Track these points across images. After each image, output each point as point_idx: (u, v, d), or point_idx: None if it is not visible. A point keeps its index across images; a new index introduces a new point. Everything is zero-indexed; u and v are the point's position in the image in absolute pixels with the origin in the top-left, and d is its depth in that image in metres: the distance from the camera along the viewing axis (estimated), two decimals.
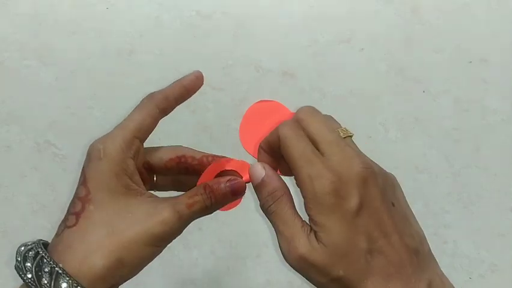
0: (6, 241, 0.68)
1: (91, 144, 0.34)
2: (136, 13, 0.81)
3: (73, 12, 0.81)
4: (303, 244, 0.30)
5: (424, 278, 0.30)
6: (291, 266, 0.32)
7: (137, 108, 0.37)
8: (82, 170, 0.34)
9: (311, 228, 0.30)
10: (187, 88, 0.38)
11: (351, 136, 0.33)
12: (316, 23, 0.80)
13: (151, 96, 0.38)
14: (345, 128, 0.33)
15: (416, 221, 0.32)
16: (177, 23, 0.80)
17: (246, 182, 0.35)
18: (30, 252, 0.31)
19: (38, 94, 0.76)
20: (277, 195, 0.31)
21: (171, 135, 0.73)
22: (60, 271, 0.29)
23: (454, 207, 0.70)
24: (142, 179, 0.34)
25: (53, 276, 0.29)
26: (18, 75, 0.77)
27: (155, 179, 0.37)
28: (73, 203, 0.32)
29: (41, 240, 0.33)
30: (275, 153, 0.33)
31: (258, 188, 0.33)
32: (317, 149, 0.31)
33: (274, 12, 0.81)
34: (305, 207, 0.30)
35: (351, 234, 0.28)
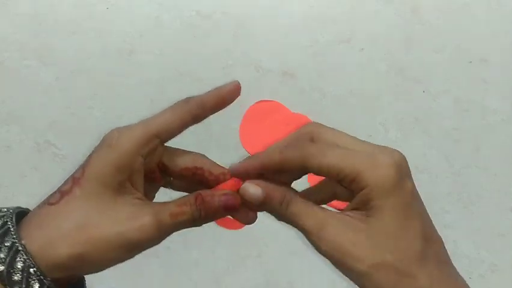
0: None
1: (110, 131, 0.32)
2: (136, 13, 0.81)
3: (73, 12, 0.81)
4: (336, 229, 0.27)
5: (455, 272, 0.29)
6: (326, 256, 0.28)
7: (170, 108, 0.35)
8: (91, 151, 0.32)
9: (344, 214, 0.28)
10: (225, 98, 0.35)
11: None
12: (316, 23, 0.80)
13: (187, 100, 0.35)
14: None
15: None
16: (177, 23, 0.80)
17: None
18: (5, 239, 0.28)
19: (38, 94, 0.76)
20: (287, 199, 0.29)
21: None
22: (20, 248, 0.28)
23: (454, 207, 0.70)
24: (153, 178, 0.33)
25: (11, 252, 0.28)
26: (18, 75, 0.77)
27: (171, 179, 0.35)
28: (65, 181, 0.32)
29: (19, 208, 0.31)
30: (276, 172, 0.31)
31: (265, 206, 0.30)
32: None
33: (274, 12, 0.81)
34: (362, 198, 0.27)
35: (409, 216, 0.27)
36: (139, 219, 0.29)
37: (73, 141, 0.73)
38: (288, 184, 0.32)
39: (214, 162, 0.34)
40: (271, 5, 0.81)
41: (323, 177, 0.31)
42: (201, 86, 0.77)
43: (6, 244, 0.28)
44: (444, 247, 0.29)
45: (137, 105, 0.75)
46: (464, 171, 0.72)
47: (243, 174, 0.31)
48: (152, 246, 0.30)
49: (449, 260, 0.28)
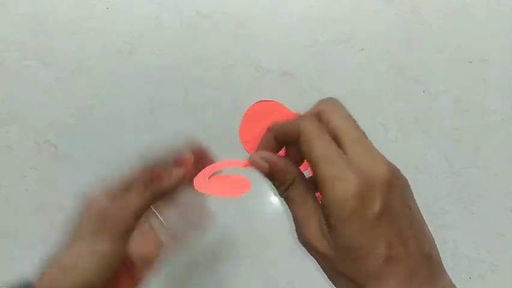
0: (6, 241, 0.68)
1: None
2: (136, 13, 0.81)
3: (73, 12, 0.81)
4: (313, 229, 0.29)
5: (439, 284, 0.29)
6: (303, 246, 0.30)
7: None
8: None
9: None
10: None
11: None
12: (316, 23, 0.80)
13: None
14: None
15: (427, 225, 0.31)
16: (177, 23, 0.80)
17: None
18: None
19: (38, 94, 0.76)
20: (288, 183, 0.30)
21: (171, 135, 0.73)
22: None
23: (454, 207, 0.70)
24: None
25: None
26: (18, 75, 0.77)
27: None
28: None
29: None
30: (284, 142, 0.32)
31: (268, 179, 0.32)
32: (339, 146, 0.29)
33: (274, 12, 0.81)
34: (323, 209, 0.28)
35: (370, 240, 0.27)
36: None
37: (73, 141, 0.73)
38: (297, 169, 0.32)
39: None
40: (271, 5, 0.81)
41: None
42: (201, 86, 0.77)
43: None
44: (423, 264, 0.28)
45: (137, 105, 0.75)
46: (464, 171, 0.72)
47: (266, 150, 0.32)
48: (118, 236, 0.31)
49: (418, 274, 0.28)
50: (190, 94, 0.75)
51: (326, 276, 0.29)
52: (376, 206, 0.27)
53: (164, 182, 0.32)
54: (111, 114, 0.75)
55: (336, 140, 0.29)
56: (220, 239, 0.68)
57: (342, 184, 0.27)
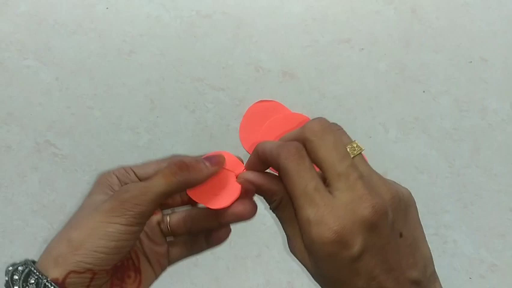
0: (6, 241, 0.68)
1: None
2: (136, 13, 0.81)
3: (73, 12, 0.81)
4: (299, 248, 0.29)
5: None
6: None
7: (157, 159, 0.37)
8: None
9: None
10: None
11: (362, 150, 0.30)
12: (316, 23, 0.80)
13: (172, 156, 0.37)
14: (356, 143, 0.30)
15: (425, 240, 0.30)
16: (177, 23, 0.80)
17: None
18: (19, 267, 0.31)
19: (38, 94, 0.76)
20: (275, 203, 0.31)
21: (170, 135, 0.73)
22: (30, 266, 0.30)
23: (454, 207, 0.70)
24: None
25: (24, 272, 0.30)
26: (18, 75, 0.77)
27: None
28: None
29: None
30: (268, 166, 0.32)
31: (261, 195, 0.33)
32: (324, 177, 0.28)
33: (274, 12, 0.81)
34: (300, 247, 0.29)
35: (348, 276, 0.27)
36: (114, 193, 0.32)
37: (73, 141, 0.73)
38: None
39: (181, 157, 0.35)
40: (271, 5, 0.81)
41: None
42: (201, 86, 0.77)
43: (31, 282, 0.30)
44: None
45: (137, 105, 0.75)
46: (464, 171, 0.72)
47: (254, 169, 0.33)
48: (137, 219, 0.31)
49: None
50: (190, 94, 0.75)
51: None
52: (354, 250, 0.26)
53: (192, 174, 0.31)
54: (111, 114, 0.75)
55: (322, 170, 0.28)
56: None
57: (320, 229, 0.26)
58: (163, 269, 0.38)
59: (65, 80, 0.77)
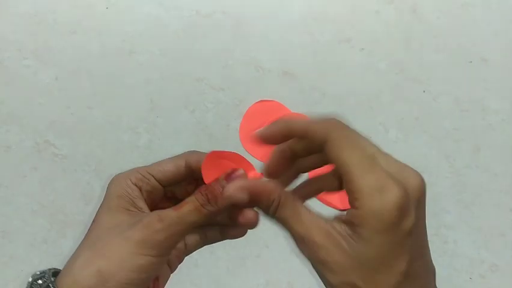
0: (6, 241, 0.68)
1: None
2: (136, 13, 0.81)
3: (73, 12, 0.81)
4: (319, 241, 0.27)
5: None
6: (307, 260, 0.29)
7: (172, 157, 0.35)
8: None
9: (333, 225, 0.27)
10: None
11: None
12: (317, 23, 0.80)
13: (189, 151, 0.35)
14: None
15: None
16: (177, 23, 0.80)
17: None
18: (39, 281, 0.30)
19: (38, 94, 0.76)
20: (275, 204, 0.29)
21: (171, 135, 0.73)
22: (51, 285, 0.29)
23: (454, 207, 0.70)
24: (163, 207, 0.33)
25: None
26: (18, 75, 0.77)
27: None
28: None
29: (53, 269, 0.32)
30: (303, 149, 0.30)
31: (252, 205, 0.30)
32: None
33: (274, 12, 0.81)
34: (352, 217, 0.26)
35: (396, 254, 0.25)
36: (141, 221, 0.30)
37: (73, 141, 0.73)
38: (287, 180, 0.31)
39: (198, 152, 0.34)
40: (271, 5, 0.81)
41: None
42: (201, 86, 0.77)
43: None
44: (432, 281, 0.28)
45: (137, 105, 0.75)
46: (464, 171, 0.72)
47: (269, 139, 0.30)
48: (170, 244, 0.30)
49: None
50: (190, 94, 0.75)
51: (326, 285, 0.28)
52: (410, 220, 0.25)
53: (219, 204, 0.30)
54: (111, 114, 0.75)
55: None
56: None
57: (384, 194, 0.25)
58: (180, 262, 0.37)
59: (65, 80, 0.77)
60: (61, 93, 0.76)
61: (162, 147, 0.72)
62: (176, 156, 0.34)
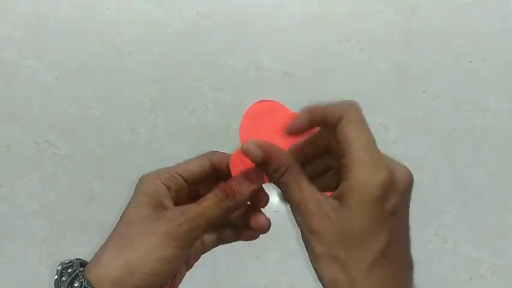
0: (6, 241, 0.68)
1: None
2: (136, 13, 0.81)
3: (73, 12, 0.81)
4: (312, 210, 0.30)
5: None
6: (299, 229, 0.31)
7: (196, 157, 0.37)
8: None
9: (325, 198, 0.30)
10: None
11: None
12: (317, 23, 0.80)
13: (211, 151, 0.37)
14: None
15: None
16: (177, 23, 0.80)
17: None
18: (69, 270, 0.32)
19: (38, 94, 0.76)
20: (282, 169, 0.31)
21: (171, 134, 0.73)
22: (85, 283, 0.30)
23: (454, 207, 0.70)
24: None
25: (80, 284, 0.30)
26: (18, 75, 0.77)
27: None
28: None
29: (79, 259, 0.34)
30: (318, 123, 0.33)
31: (261, 166, 0.33)
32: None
33: (274, 12, 0.81)
34: (344, 189, 0.29)
35: (376, 230, 0.28)
36: (166, 216, 0.32)
37: (73, 141, 0.73)
38: (296, 154, 0.34)
39: (220, 153, 0.36)
40: (271, 5, 0.81)
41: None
42: (201, 86, 0.77)
43: (75, 285, 0.31)
44: (407, 272, 0.30)
45: (137, 105, 0.75)
46: (464, 171, 0.72)
47: (297, 130, 0.33)
48: (194, 236, 0.32)
49: (403, 278, 0.29)
50: (190, 94, 0.75)
51: (311, 259, 0.30)
52: (393, 202, 0.28)
53: (237, 199, 0.33)
54: (111, 114, 0.75)
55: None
56: None
57: (375, 170, 0.28)
58: (196, 260, 0.40)
59: (65, 80, 0.77)
60: (61, 93, 0.76)
61: (162, 147, 0.72)
62: (201, 155, 0.36)
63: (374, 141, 0.30)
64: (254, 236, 0.37)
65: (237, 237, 0.38)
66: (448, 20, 0.80)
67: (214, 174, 0.36)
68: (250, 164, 0.33)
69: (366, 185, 0.28)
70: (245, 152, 0.32)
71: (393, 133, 0.74)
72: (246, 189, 0.33)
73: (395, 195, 0.28)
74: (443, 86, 0.76)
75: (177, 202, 0.35)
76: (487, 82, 0.76)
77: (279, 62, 0.77)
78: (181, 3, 0.81)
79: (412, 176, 0.30)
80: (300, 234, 0.31)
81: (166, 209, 0.33)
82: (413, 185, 0.30)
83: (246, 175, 0.33)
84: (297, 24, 0.80)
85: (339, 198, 0.29)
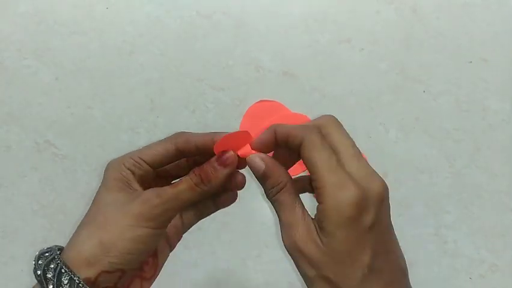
0: (6, 241, 0.68)
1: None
2: (136, 13, 0.81)
3: (73, 12, 0.81)
4: (301, 233, 0.30)
5: None
6: (287, 251, 0.32)
7: (162, 139, 0.38)
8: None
9: (313, 222, 0.30)
10: (214, 142, 0.36)
11: None
12: (317, 23, 0.80)
13: (177, 133, 0.38)
14: None
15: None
16: (177, 23, 0.80)
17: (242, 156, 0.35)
18: (46, 254, 0.33)
19: (38, 94, 0.76)
20: (280, 186, 0.32)
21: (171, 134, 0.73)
22: (61, 264, 0.31)
23: (454, 207, 0.70)
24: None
25: (56, 271, 0.31)
26: (18, 75, 0.77)
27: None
28: None
29: (58, 246, 0.35)
30: (282, 144, 0.33)
31: (260, 180, 0.33)
32: (338, 159, 0.30)
33: (274, 12, 0.81)
34: (319, 213, 0.30)
35: (358, 248, 0.29)
36: (140, 197, 0.33)
37: (73, 141, 0.73)
38: (289, 176, 0.34)
39: (189, 134, 0.37)
40: (271, 5, 0.81)
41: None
42: (201, 86, 0.77)
43: (51, 266, 0.31)
44: (402, 280, 0.30)
45: (137, 105, 0.75)
46: (464, 171, 0.72)
47: (262, 147, 0.34)
48: (166, 218, 0.32)
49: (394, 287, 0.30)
50: (190, 94, 0.75)
51: (305, 282, 0.31)
52: (370, 217, 0.29)
53: (212, 183, 0.34)
54: (111, 114, 0.75)
55: (336, 153, 0.31)
56: (219, 238, 0.68)
57: (343, 192, 0.28)
58: (179, 239, 0.40)
59: (65, 80, 0.77)
60: (61, 93, 0.76)
61: None
62: (166, 138, 0.37)
63: (336, 162, 0.30)
64: (232, 198, 0.38)
65: (216, 206, 0.39)
66: (448, 20, 0.80)
67: (181, 156, 0.36)
68: (234, 150, 0.34)
69: (337, 207, 0.28)
70: (249, 162, 0.33)
71: (394, 133, 0.74)
72: (220, 173, 0.34)
73: (369, 210, 0.29)
74: (443, 86, 0.76)
75: (144, 185, 0.35)
76: (487, 82, 0.76)
77: (279, 62, 0.77)
78: (182, 3, 0.81)
79: (386, 185, 0.30)
80: (289, 254, 0.31)
81: (135, 191, 0.34)
82: (388, 194, 0.30)
83: (220, 159, 0.34)
84: (298, 24, 0.80)
85: (319, 222, 0.30)
